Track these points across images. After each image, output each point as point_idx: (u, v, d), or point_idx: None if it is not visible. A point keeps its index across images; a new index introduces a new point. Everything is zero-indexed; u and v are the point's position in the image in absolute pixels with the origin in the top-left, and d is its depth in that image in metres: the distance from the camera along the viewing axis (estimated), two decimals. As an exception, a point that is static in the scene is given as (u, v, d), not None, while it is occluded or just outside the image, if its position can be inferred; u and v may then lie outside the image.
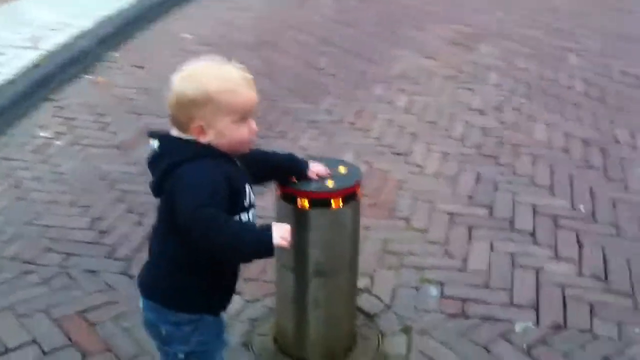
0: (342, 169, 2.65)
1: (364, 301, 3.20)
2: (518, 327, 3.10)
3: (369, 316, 3.16)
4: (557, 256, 3.56)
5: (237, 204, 2.12)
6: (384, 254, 3.56)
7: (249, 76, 2.12)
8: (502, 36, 6.50)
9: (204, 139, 2.08)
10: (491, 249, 3.60)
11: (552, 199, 4.05)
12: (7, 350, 2.92)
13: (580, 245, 3.64)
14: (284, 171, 2.53)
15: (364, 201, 2.76)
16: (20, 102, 4.95)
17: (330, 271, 2.74)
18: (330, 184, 2.56)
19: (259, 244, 2.02)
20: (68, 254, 3.51)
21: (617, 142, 4.69)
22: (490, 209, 3.94)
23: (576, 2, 7.57)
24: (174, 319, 2.20)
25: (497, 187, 4.14)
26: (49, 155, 4.43)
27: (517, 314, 3.18)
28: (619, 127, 4.87)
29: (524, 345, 3.00)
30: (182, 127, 2.10)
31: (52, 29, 6.02)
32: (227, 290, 2.30)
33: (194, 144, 2.09)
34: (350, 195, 2.61)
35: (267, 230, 2.02)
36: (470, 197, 4.04)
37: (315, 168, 2.56)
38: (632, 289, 3.34)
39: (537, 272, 3.44)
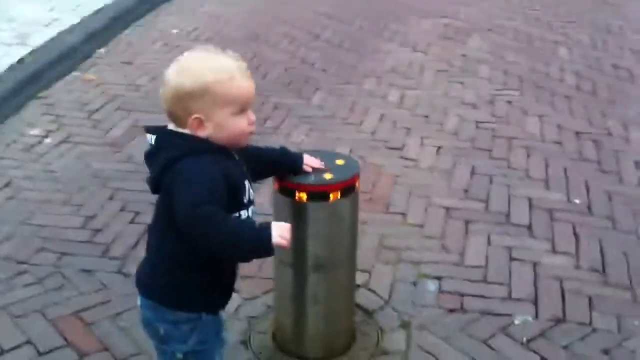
0: (339, 162, 2.63)
1: (362, 297, 3.19)
2: (517, 321, 3.09)
3: (368, 312, 3.15)
4: (554, 249, 3.55)
5: (237, 200, 2.09)
6: (381, 249, 3.54)
7: (245, 65, 2.09)
8: (491, 30, 6.49)
9: (202, 133, 2.04)
10: (488, 243, 3.59)
11: (547, 192, 4.04)
12: (2, 352, 2.88)
13: (576, 238, 3.64)
14: (279, 166, 2.50)
15: (360, 196, 2.73)
16: (8, 99, 4.88)
17: (329, 265, 2.72)
18: (328, 176, 2.54)
19: (257, 242, 1.99)
20: (62, 254, 3.46)
21: (610, 134, 4.69)
22: (486, 202, 3.93)
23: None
24: (172, 317, 2.17)
25: (492, 180, 4.13)
26: (39, 154, 4.37)
27: (516, 308, 3.17)
28: (611, 120, 4.87)
29: (524, 339, 3.00)
30: (179, 121, 2.07)
31: (40, 25, 5.95)
32: (226, 288, 2.27)
33: (192, 138, 2.05)
34: (348, 188, 2.59)
35: (266, 229, 1.99)
36: (465, 191, 4.03)
37: (310, 161, 2.53)
38: (630, 281, 3.34)
39: (535, 265, 3.44)
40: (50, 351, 2.89)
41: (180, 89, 2.02)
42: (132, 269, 3.29)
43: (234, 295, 2.41)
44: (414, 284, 3.33)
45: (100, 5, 6.43)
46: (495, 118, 4.89)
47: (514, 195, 3.99)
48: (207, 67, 2.05)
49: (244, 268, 2.29)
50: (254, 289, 3.22)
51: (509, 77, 5.52)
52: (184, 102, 2.02)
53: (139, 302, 2.23)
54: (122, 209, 3.82)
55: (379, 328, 3.06)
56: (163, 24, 6.54)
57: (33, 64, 5.29)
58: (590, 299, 3.23)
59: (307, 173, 2.52)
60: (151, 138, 2.10)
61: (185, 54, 2.11)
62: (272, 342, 2.97)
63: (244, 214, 2.12)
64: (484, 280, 3.34)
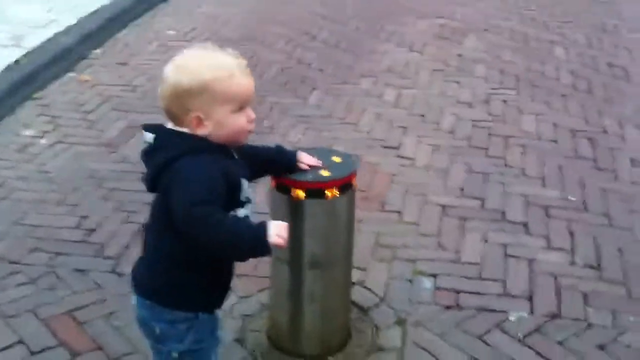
0: (336, 159, 2.62)
1: (358, 294, 3.18)
2: (513, 317, 3.08)
3: (363, 309, 3.14)
4: (549, 246, 3.55)
5: (235, 199, 2.08)
6: (376, 247, 3.54)
7: (245, 63, 2.08)
8: (487, 29, 6.49)
9: (201, 131, 2.03)
10: (484, 240, 3.59)
11: (543, 189, 4.04)
12: (-6, 351, 2.88)
13: (572, 235, 3.63)
14: (275, 164, 2.49)
15: (356, 194, 2.73)
16: (3, 100, 4.86)
17: (326, 263, 2.71)
18: (325, 173, 2.53)
19: (255, 242, 1.97)
20: (56, 253, 3.45)
21: (606, 132, 4.69)
22: (482, 200, 3.92)
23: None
24: (169, 317, 2.15)
25: (488, 178, 4.13)
26: (34, 154, 4.36)
27: (512, 304, 3.16)
28: (607, 118, 4.87)
29: (519, 335, 2.99)
30: (177, 119, 2.05)
31: (34, 27, 5.94)
32: (223, 287, 2.25)
33: (191, 137, 2.04)
34: (345, 185, 2.59)
35: (263, 228, 1.97)
36: (461, 189, 4.03)
37: (305, 159, 2.52)
38: (625, 277, 3.34)
39: (530, 262, 3.43)
40: (43, 350, 2.87)
41: (179, 86, 2.00)
42: (126, 268, 3.30)
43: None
44: (410, 281, 3.32)
45: (97, 6, 6.42)
46: (491, 117, 4.88)
47: (510, 193, 3.98)
48: (205, 64, 2.03)
49: (239, 266, 2.28)
50: (249, 288, 3.21)
51: (505, 77, 5.52)
52: (183, 100, 2.01)
53: (133, 301, 2.21)
54: (116, 209, 3.81)
55: (375, 325, 3.05)
56: (159, 25, 6.53)
57: (28, 65, 5.27)
58: (585, 295, 3.22)
59: (303, 170, 2.51)
60: (149, 136, 2.09)
61: (184, 51, 2.10)
62: (267, 340, 2.96)
63: (242, 212, 2.10)
64: (480, 277, 3.34)
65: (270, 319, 2.98)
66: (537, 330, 3.02)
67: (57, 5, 6.45)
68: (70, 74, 5.48)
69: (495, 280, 3.32)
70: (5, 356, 2.85)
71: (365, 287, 3.26)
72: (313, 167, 2.52)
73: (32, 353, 2.86)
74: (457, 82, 5.41)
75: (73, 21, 6.08)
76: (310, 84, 5.39)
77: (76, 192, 3.97)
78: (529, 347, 2.93)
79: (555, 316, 3.09)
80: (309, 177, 2.50)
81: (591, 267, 3.40)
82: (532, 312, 3.12)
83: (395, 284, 3.30)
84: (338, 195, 2.56)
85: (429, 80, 5.45)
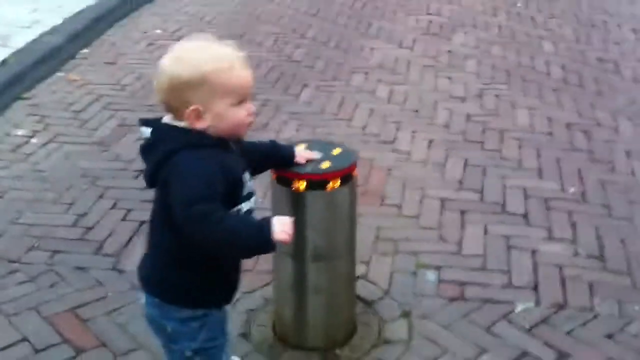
0: (335, 151, 2.60)
1: (362, 288, 3.15)
2: (519, 308, 3.07)
3: (368, 303, 3.12)
4: (551, 237, 3.55)
5: (236, 194, 2.04)
6: (378, 241, 3.52)
7: (243, 55, 2.03)
8: (475, 25, 6.50)
9: (200, 124, 1.98)
10: (485, 232, 3.58)
11: (541, 181, 4.04)
12: (-3, 350, 2.82)
13: (573, 226, 3.63)
14: (272, 159, 2.46)
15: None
16: (-8, 101, 4.80)
17: (329, 255, 2.69)
18: (326, 165, 2.51)
19: (259, 240, 1.94)
20: (54, 252, 3.40)
21: (600, 125, 4.71)
22: (481, 193, 3.92)
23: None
24: (178, 315, 2.11)
25: (486, 171, 4.12)
26: (27, 154, 4.29)
27: (517, 295, 3.16)
28: (600, 111, 4.88)
29: (527, 325, 2.98)
30: (175, 112, 2.00)
31: (21, 27, 5.87)
32: (230, 285, 2.21)
33: (189, 131, 1.99)
34: (347, 176, 2.57)
35: (267, 225, 1.93)
36: (460, 183, 4.02)
37: (302, 153, 2.49)
38: (629, 267, 3.34)
39: (533, 253, 3.43)
40: (47, 348, 2.83)
41: (177, 78, 1.95)
42: (127, 265, 3.26)
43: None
44: (414, 274, 3.30)
45: (82, 6, 6.35)
46: (485, 111, 4.88)
47: (508, 186, 3.98)
48: (205, 56, 1.98)
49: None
50: (252, 283, 3.17)
51: (496, 72, 5.52)
52: (181, 92, 1.96)
53: (143, 300, 2.17)
54: (113, 207, 3.75)
55: (380, 318, 3.03)
56: (146, 24, 6.47)
57: (16, 65, 5.20)
58: (590, 285, 3.22)
59: (302, 164, 2.48)
60: (147, 131, 2.04)
61: (182, 43, 2.05)
62: (272, 334, 2.93)
63: (244, 206, 2.07)
64: (484, 269, 3.33)
65: (275, 312, 2.95)
66: (544, 321, 3.01)
67: (42, 5, 6.36)
68: (59, 74, 5.41)
69: (499, 271, 3.31)
70: (10, 354, 2.80)
71: (368, 281, 3.24)
72: (311, 160, 2.49)
73: (37, 350, 2.82)
74: (449, 78, 5.40)
75: (59, 21, 6.01)
76: (300, 81, 5.36)
77: (71, 190, 3.91)
78: (537, 338, 2.92)
79: (561, 307, 3.09)
80: (310, 168, 2.48)
81: (594, 257, 3.41)
82: (538, 303, 3.11)
83: (399, 277, 3.28)
84: (339, 186, 2.54)
85: (421, 76, 5.45)
